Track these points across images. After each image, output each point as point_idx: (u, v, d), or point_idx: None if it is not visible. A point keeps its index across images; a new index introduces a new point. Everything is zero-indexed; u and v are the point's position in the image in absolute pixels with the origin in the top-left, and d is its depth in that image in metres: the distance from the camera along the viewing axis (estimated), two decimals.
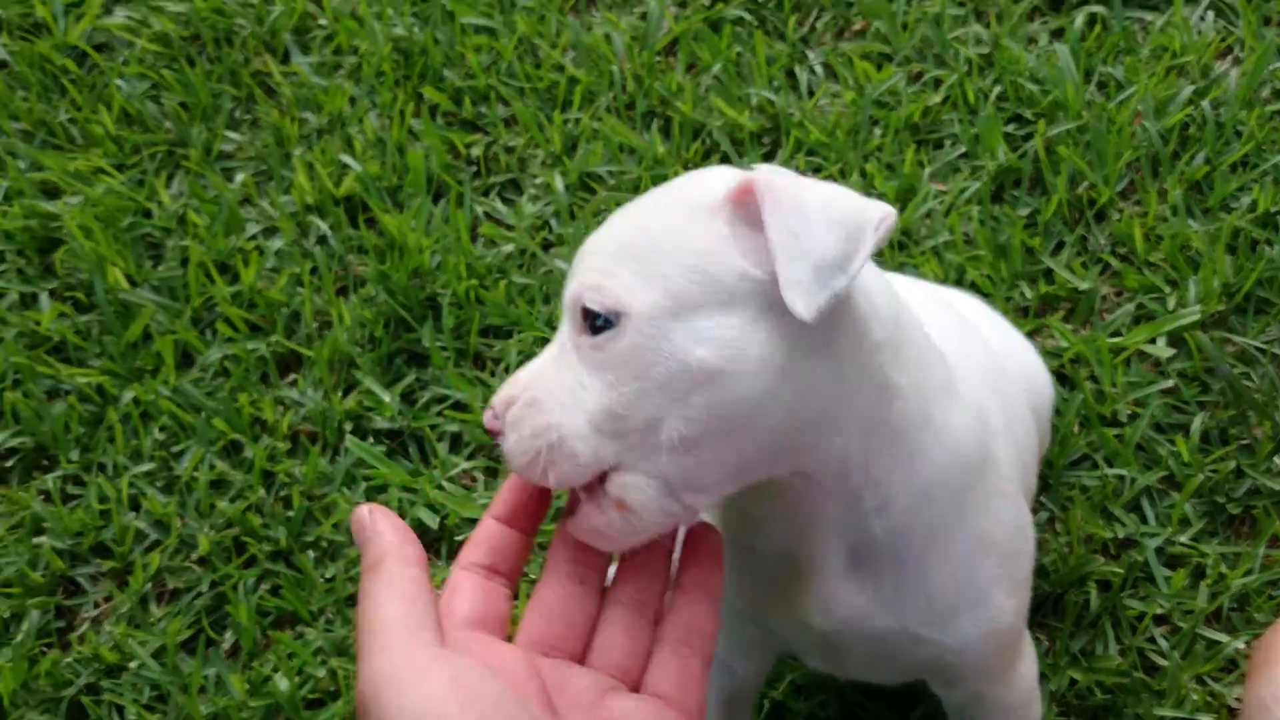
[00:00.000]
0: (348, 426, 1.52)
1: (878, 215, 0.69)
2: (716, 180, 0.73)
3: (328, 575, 1.42)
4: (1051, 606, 1.32)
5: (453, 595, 0.72)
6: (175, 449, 1.53)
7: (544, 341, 1.57)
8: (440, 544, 1.45)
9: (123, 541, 1.47)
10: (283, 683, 1.33)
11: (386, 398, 1.53)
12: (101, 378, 1.58)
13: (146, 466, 1.52)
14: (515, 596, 0.73)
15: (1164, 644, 1.28)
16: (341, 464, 1.50)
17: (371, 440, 1.51)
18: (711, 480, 0.71)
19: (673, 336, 0.68)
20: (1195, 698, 1.23)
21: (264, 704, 1.33)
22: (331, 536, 1.44)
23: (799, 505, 0.78)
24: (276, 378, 1.58)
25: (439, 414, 1.53)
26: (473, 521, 1.45)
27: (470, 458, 1.50)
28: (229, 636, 1.40)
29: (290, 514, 1.46)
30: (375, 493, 1.48)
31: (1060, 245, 1.55)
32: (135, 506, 1.51)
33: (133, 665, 1.39)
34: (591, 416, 0.70)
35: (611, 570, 0.76)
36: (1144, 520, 1.36)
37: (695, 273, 0.69)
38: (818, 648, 0.91)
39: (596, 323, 0.70)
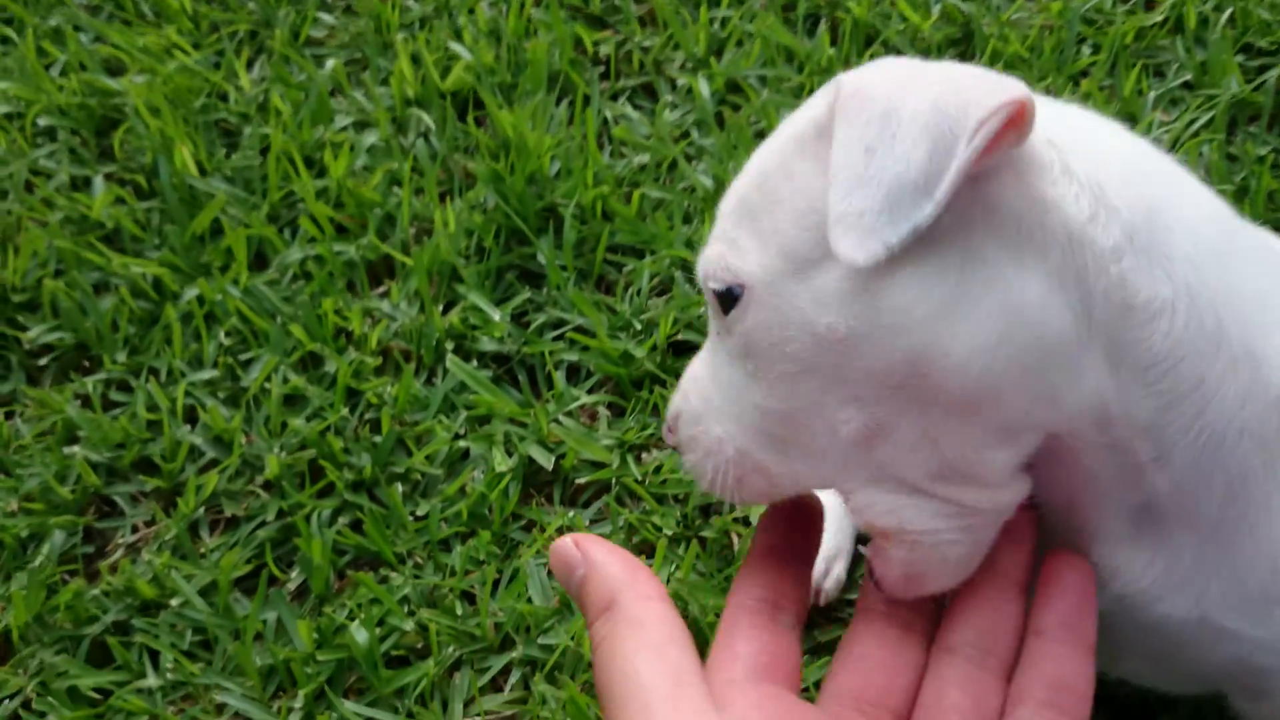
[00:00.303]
0: (448, 346, 1.28)
1: (982, 109, 0.52)
2: (830, 94, 0.58)
3: (419, 513, 1.18)
4: None
5: (730, 636, 0.60)
6: (243, 357, 1.30)
7: (682, 265, 1.33)
8: (553, 487, 1.20)
9: (173, 458, 1.23)
10: (360, 634, 1.08)
11: (496, 316, 1.29)
12: (160, 270, 1.34)
13: (208, 374, 1.28)
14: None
15: None
16: (439, 388, 1.26)
17: (475, 364, 1.28)
18: (950, 465, 0.58)
19: (798, 301, 0.57)
20: None
21: (335, 658, 1.09)
22: (424, 469, 1.20)
23: (1060, 467, 0.61)
24: (366, 286, 1.34)
25: (556, 339, 1.29)
26: (594, 464, 1.20)
27: (592, 391, 1.26)
28: (296, 576, 1.16)
29: (377, 440, 1.22)
30: (478, 423, 1.24)
31: None
32: (191, 419, 1.27)
33: (174, 602, 1.14)
34: (752, 421, 0.61)
35: None
36: None
37: (808, 218, 0.57)
38: None
39: (726, 301, 0.60)
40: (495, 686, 1.09)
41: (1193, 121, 1.33)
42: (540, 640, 1.09)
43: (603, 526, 1.17)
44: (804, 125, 0.59)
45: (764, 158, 0.62)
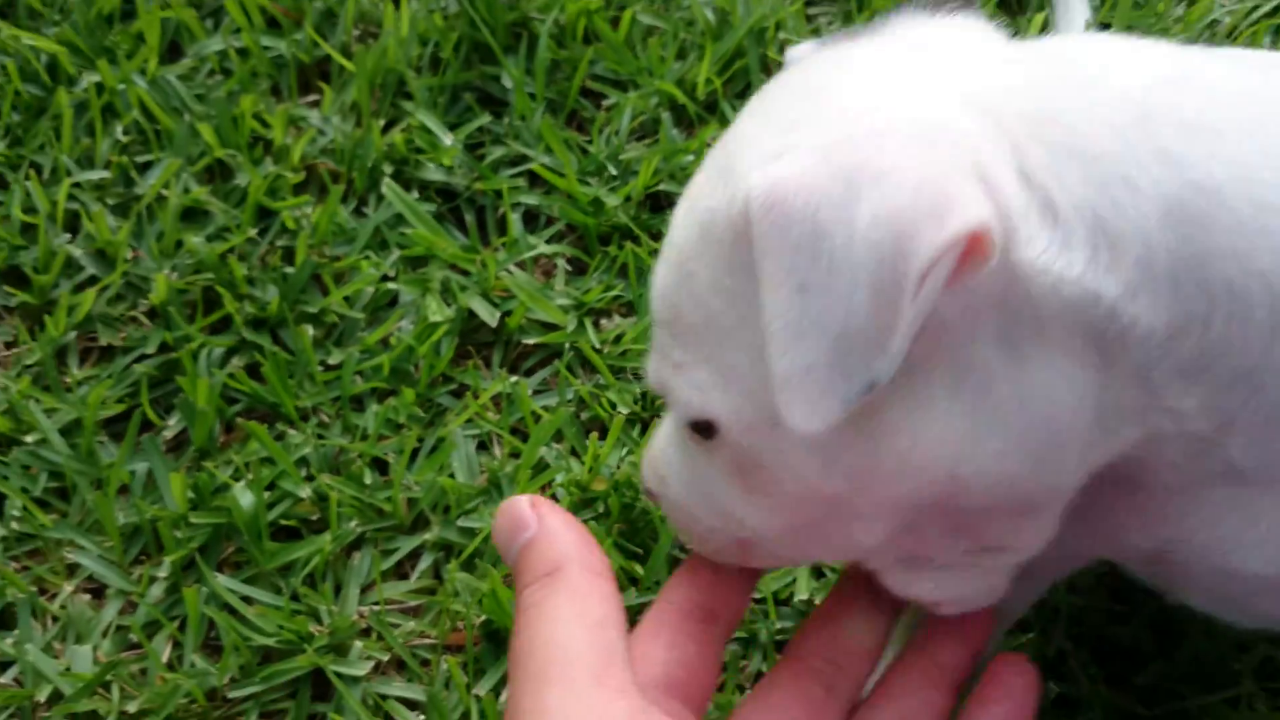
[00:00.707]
0: (386, 170, 1.08)
1: (925, 255, 0.41)
2: (748, 182, 0.46)
3: (330, 362, 0.99)
4: None
5: (655, 636, 0.57)
6: (141, 159, 1.09)
7: (673, 106, 1.13)
8: (494, 348, 1.02)
9: (46, 269, 1.03)
10: (245, 497, 0.90)
11: (447, 140, 1.09)
12: (57, 48, 1.13)
13: (97, 175, 1.08)
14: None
15: None
16: (371, 219, 1.06)
17: (416, 195, 1.08)
18: (984, 544, 0.55)
19: (782, 450, 0.50)
20: None
21: (211, 522, 0.90)
22: (343, 311, 1.01)
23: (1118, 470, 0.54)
24: (294, 90, 1.13)
25: (515, 177, 1.09)
26: (545, 325, 1.02)
27: (551, 241, 1.07)
28: (175, 423, 0.97)
29: (289, 271, 1.02)
30: (412, 264, 1.05)
31: None
32: (73, 227, 1.06)
33: (29, 439, 0.95)
34: (752, 530, 0.55)
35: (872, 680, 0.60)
36: None
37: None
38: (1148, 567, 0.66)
39: (700, 427, 0.52)
40: (401, 572, 0.92)
41: (1255, 8, 1.14)
42: (460, 523, 0.92)
43: (548, 397, 0.99)
44: (719, 229, 0.48)
45: (684, 256, 0.51)
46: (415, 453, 0.96)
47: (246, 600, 0.88)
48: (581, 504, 0.93)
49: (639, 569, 0.89)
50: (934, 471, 0.49)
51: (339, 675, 0.85)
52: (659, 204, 1.09)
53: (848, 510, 0.52)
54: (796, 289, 0.43)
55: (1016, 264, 0.45)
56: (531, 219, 1.09)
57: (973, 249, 0.43)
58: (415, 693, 0.85)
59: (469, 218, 1.08)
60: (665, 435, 0.59)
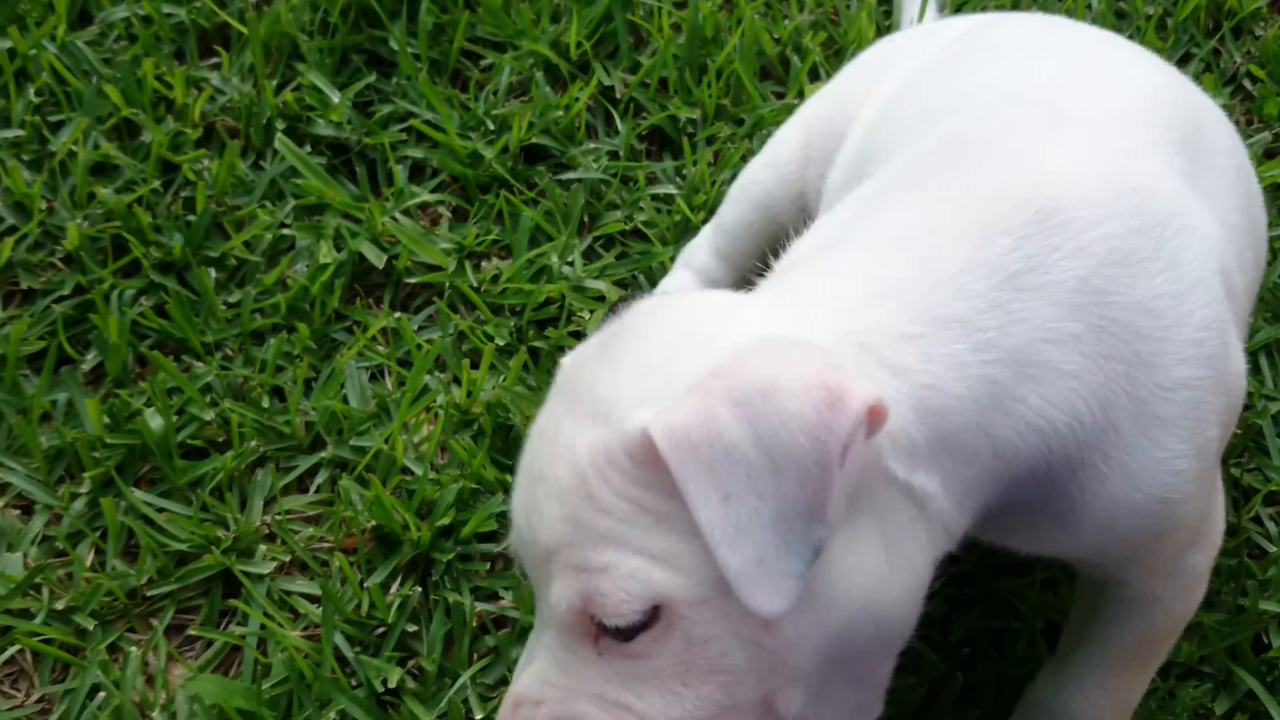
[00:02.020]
0: (280, 126, 1.18)
1: (844, 428, 0.53)
2: (635, 420, 0.57)
3: (231, 300, 1.10)
4: None
5: None
6: (53, 118, 1.18)
7: (546, 66, 1.24)
8: (384, 290, 1.13)
9: None
10: (155, 420, 1.01)
11: (336, 98, 1.19)
12: None
13: (13, 133, 1.17)
14: None
15: (1274, 527, 1.03)
16: (267, 171, 1.16)
17: (309, 149, 1.18)
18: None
19: (732, 616, 0.56)
20: None
21: (126, 443, 1.01)
22: (243, 255, 1.12)
23: None
24: (195, 54, 1.23)
25: (401, 132, 1.20)
26: (430, 267, 1.13)
27: (435, 191, 1.18)
28: (92, 358, 1.07)
29: (192, 219, 1.12)
30: (306, 213, 1.15)
31: (1188, 57, 1.27)
32: None
33: None
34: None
35: None
36: (1263, 381, 1.10)
37: (700, 539, 0.56)
38: None
39: (629, 631, 0.57)
40: (301, 487, 1.03)
41: None
42: (353, 442, 1.03)
43: (431, 332, 1.10)
44: (617, 458, 0.57)
45: (575, 485, 0.59)
46: (312, 382, 1.07)
47: (161, 511, 0.99)
48: (461, 425, 1.05)
49: (510, 479, 1.02)
50: (859, 601, 0.58)
51: (246, 574, 0.97)
52: (533, 156, 1.21)
53: (778, 677, 0.59)
54: (722, 499, 0.53)
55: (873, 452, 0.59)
56: (417, 171, 1.20)
57: (871, 419, 0.55)
58: (314, 589, 0.97)
59: (359, 170, 1.18)
60: (533, 673, 0.62)
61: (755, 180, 1.06)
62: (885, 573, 0.59)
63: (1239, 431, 1.06)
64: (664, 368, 0.59)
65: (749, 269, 1.04)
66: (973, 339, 0.62)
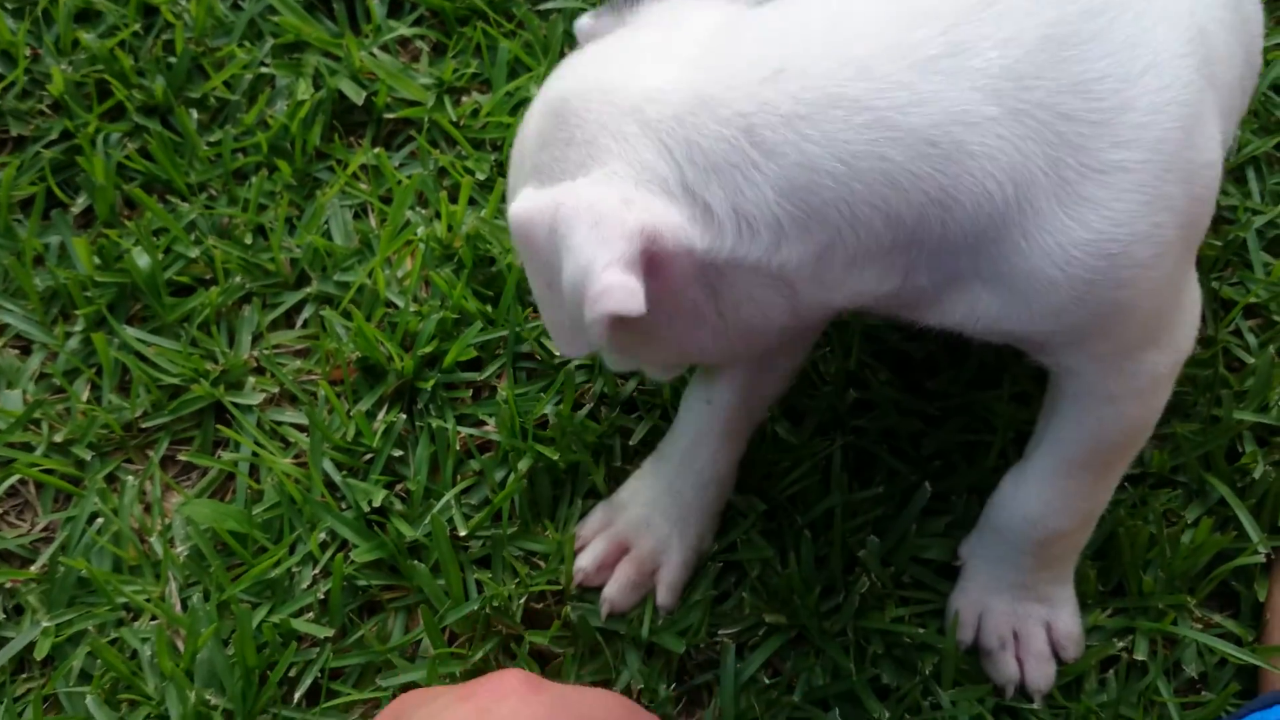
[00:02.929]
0: None
1: (591, 315, 0.61)
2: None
3: (213, 140, 1.11)
4: None
5: None
6: None
7: None
8: (366, 127, 1.14)
9: None
10: (142, 258, 1.03)
11: None
12: None
13: None
14: None
15: (1253, 339, 1.03)
16: (246, 11, 1.16)
17: None
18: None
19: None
20: None
21: (116, 281, 1.04)
22: (223, 95, 1.12)
23: None
24: None
25: None
26: (409, 103, 1.13)
27: (415, 24, 1.17)
28: (81, 201, 1.10)
29: (172, 61, 1.13)
30: (285, 51, 1.15)
31: None
32: None
33: None
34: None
35: None
36: (1249, 194, 1.09)
37: None
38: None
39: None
40: (289, 322, 1.06)
41: None
42: (337, 278, 1.06)
43: (412, 168, 1.11)
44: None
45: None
46: (295, 220, 1.09)
47: (152, 347, 1.02)
48: (442, 258, 1.06)
49: (490, 309, 1.03)
50: (690, 355, 0.78)
51: (236, 405, 1.00)
52: None
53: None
54: (546, 285, 0.67)
55: (699, 256, 0.65)
56: (396, 6, 1.19)
57: (654, 264, 0.63)
58: (302, 418, 1.00)
59: (338, 7, 1.18)
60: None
61: None
62: (711, 338, 0.71)
63: (1219, 244, 1.05)
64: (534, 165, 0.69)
65: None
66: (860, 117, 0.62)
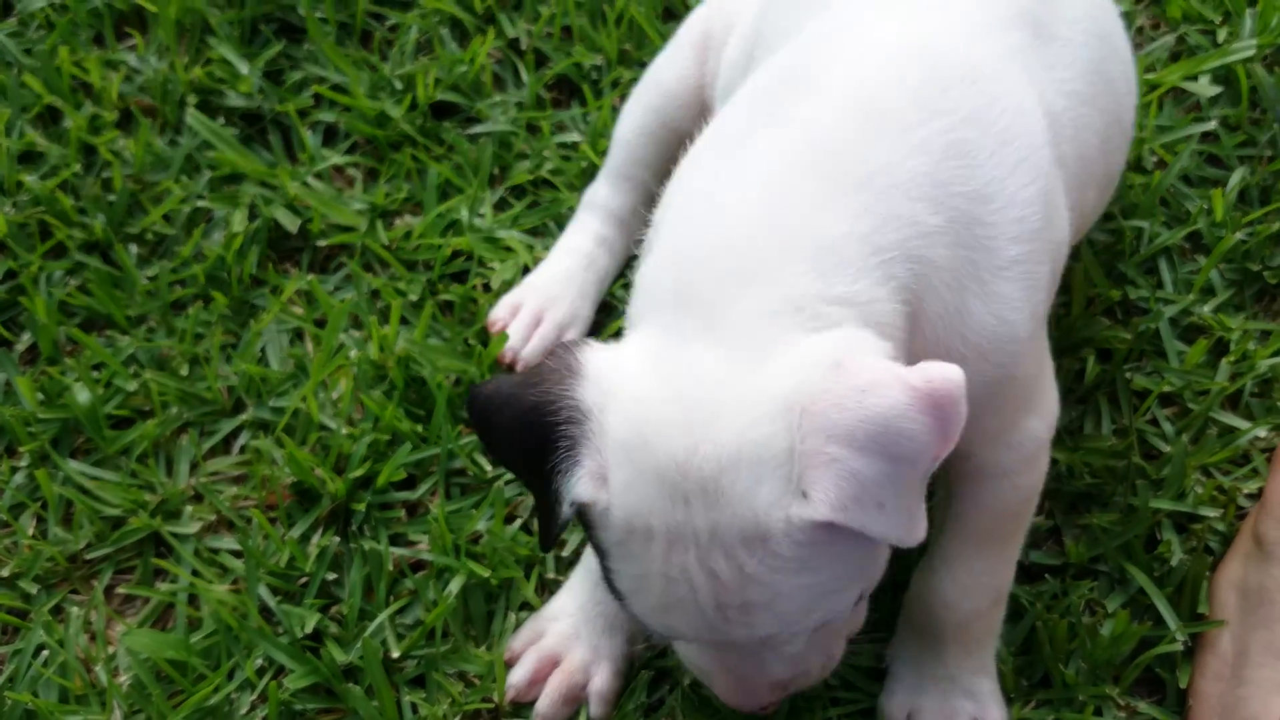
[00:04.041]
0: (192, 100, 1.22)
1: (958, 415, 0.65)
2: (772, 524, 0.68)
3: (151, 274, 1.15)
4: None
5: None
6: None
7: (452, 22, 1.27)
8: (301, 253, 1.17)
9: None
10: (82, 393, 1.06)
11: (245, 69, 1.23)
12: None
13: None
14: None
15: (1169, 427, 1.05)
16: (182, 146, 1.20)
17: (223, 121, 1.22)
18: None
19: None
20: (1200, 490, 1.01)
21: (58, 416, 1.07)
22: (161, 230, 1.16)
23: None
24: (112, 38, 1.27)
25: (311, 97, 1.23)
26: (342, 228, 1.17)
27: (348, 152, 1.22)
28: (26, 339, 1.13)
29: (112, 199, 1.17)
30: (223, 183, 1.19)
31: None
32: None
33: None
34: None
35: None
36: (1160, 284, 1.11)
37: None
38: None
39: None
40: (226, 449, 1.09)
41: None
42: (272, 403, 1.08)
43: (346, 291, 1.14)
44: (789, 538, 0.68)
45: (765, 575, 0.70)
46: (232, 348, 1.12)
47: (94, 480, 1.05)
48: (375, 379, 1.09)
49: (422, 429, 1.06)
50: None
51: (174, 535, 1.03)
52: (442, 112, 1.24)
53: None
54: (879, 509, 0.65)
55: None
56: (330, 134, 1.23)
57: None
58: (238, 545, 1.03)
59: (274, 138, 1.22)
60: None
61: (650, 83, 1.10)
62: None
63: (1131, 336, 1.07)
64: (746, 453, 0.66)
65: (653, 184, 1.07)
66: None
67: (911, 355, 0.72)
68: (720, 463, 0.64)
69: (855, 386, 0.63)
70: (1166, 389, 1.06)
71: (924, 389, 0.63)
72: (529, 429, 0.67)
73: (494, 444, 0.71)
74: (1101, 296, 1.09)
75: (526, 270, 1.14)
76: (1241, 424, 1.04)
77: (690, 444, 0.64)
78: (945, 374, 0.63)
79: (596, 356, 0.69)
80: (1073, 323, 1.08)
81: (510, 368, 1.09)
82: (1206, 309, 1.09)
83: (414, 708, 0.94)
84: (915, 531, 0.66)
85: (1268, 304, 1.12)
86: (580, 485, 0.67)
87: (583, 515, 0.70)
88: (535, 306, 1.09)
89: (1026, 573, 0.99)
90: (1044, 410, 0.84)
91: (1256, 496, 1.00)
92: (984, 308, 0.73)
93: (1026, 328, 0.76)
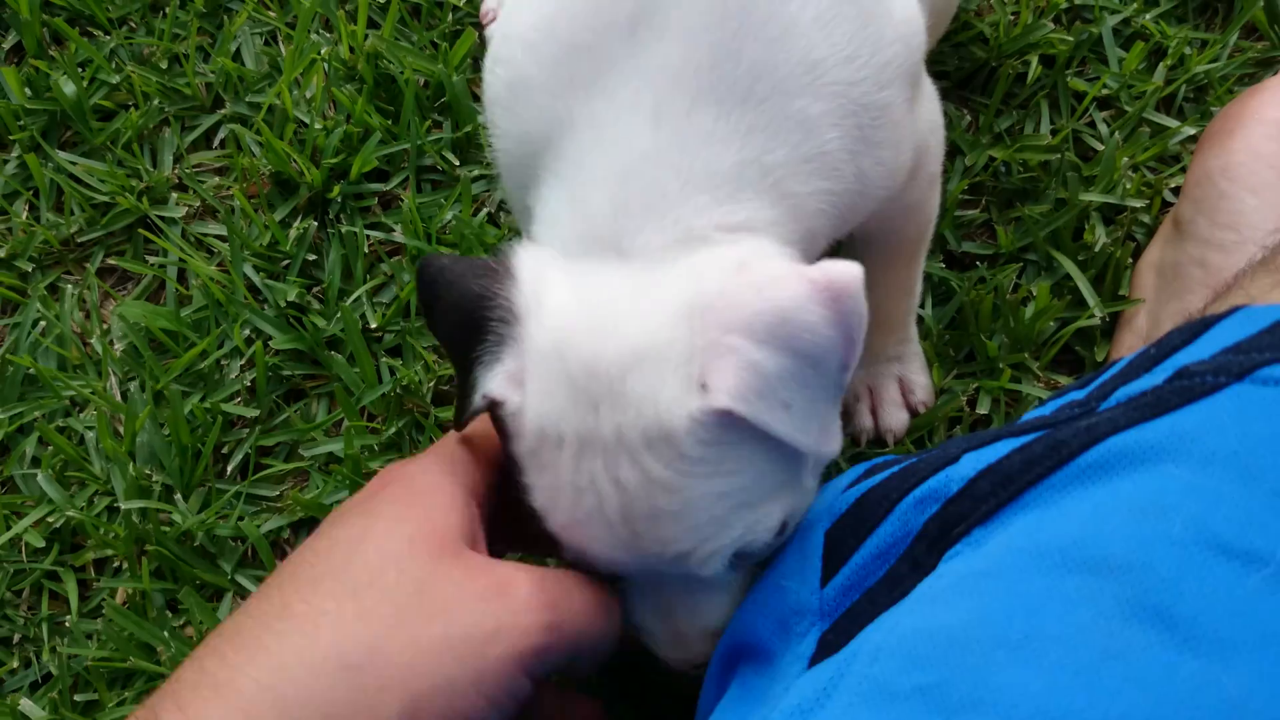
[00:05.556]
0: None
1: (858, 308, 0.64)
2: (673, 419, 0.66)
3: None
4: (984, 79, 1.13)
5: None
6: None
7: None
8: None
9: None
10: (68, 86, 1.11)
11: None
12: None
13: None
14: None
15: (1104, 128, 1.11)
16: None
17: None
18: None
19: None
20: (1129, 185, 1.07)
21: (46, 108, 1.12)
22: None
23: None
24: None
25: None
26: None
27: None
28: (11, 37, 1.17)
29: None
30: None
31: None
32: None
33: None
34: None
35: None
36: None
37: None
38: None
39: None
40: (208, 143, 1.14)
41: None
42: (249, 99, 1.13)
43: None
44: (692, 436, 0.66)
45: (671, 479, 0.67)
46: (210, 48, 1.16)
47: (82, 167, 1.11)
48: (346, 77, 1.14)
49: (392, 124, 1.11)
50: None
51: (161, 218, 1.09)
52: None
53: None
54: (784, 409, 0.64)
55: None
56: None
57: None
58: (223, 229, 1.09)
59: None
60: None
61: None
62: None
63: (1074, 40, 1.12)
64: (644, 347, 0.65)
65: None
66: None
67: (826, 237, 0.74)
68: (624, 365, 0.64)
69: (753, 284, 0.64)
70: (1104, 91, 1.11)
71: (822, 281, 0.62)
72: (467, 316, 0.68)
73: (434, 320, 0.71)
74: (1050, 3, 1.13)
75: None
76: (1173, 122, 1.09)
77: (598, 349, 0.65)
78: (844, 269, 0.63)
79: (533, 263, 0.68)
80: (1019, 29, 1.12)
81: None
82: (1149, 16, 1.13)
83: (391, 371, 1.02)
84: (828, 442, 0.66)
85: (1210, 18, 1.16)
86: (495, 381, 0.67)
87: (498, 424, 0.69)
88: None
89: (959, 261, 1.07)
90: (932, 155, 0.86)
91: None
92: (875, 163, 0.74)
93: (911, 142, 0.78)
